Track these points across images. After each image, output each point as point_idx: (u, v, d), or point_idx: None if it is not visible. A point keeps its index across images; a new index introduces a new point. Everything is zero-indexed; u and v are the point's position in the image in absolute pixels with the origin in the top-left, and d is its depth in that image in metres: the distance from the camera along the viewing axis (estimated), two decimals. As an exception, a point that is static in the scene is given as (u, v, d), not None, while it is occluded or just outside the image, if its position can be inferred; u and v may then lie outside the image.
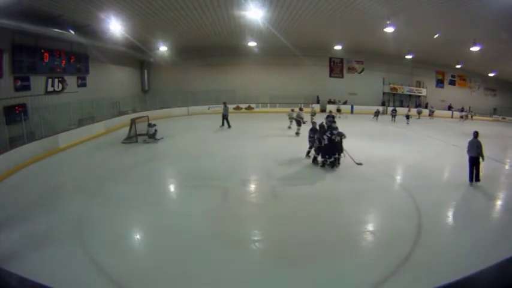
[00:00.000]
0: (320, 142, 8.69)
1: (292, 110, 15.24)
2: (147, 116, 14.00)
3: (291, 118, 15.12)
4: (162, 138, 12.72)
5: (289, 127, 15.17)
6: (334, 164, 8.75)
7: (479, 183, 7.30)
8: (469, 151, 7.34)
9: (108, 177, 7.97)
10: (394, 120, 20.13)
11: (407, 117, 20.22)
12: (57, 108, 12.94)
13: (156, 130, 12.62)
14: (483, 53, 18.30)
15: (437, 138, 14.68)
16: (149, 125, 12.70)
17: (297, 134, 13.66)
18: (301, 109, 14.84)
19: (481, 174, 7.32)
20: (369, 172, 8.54)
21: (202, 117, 20.91)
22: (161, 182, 8.00)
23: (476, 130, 7.55)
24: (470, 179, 7.35)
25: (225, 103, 15.99)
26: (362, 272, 4.04)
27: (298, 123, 14.02)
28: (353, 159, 8.98)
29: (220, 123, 15.80)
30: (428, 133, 16.10)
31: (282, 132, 14.78)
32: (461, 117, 23.93)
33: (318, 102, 25.18)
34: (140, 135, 12.91)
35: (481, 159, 7.18)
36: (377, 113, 21.06)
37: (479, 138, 7.32)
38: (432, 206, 6.09)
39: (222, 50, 22.69)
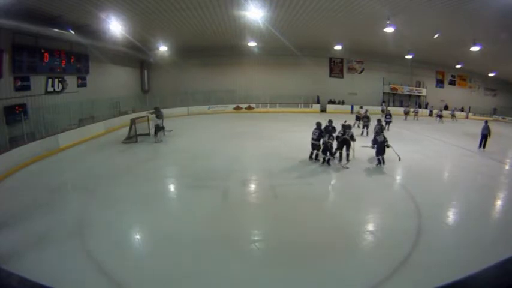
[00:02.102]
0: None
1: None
2: (147, 116, 14.01)
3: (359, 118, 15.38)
4: (171, 130, 13.33)
5: (358, 126, 15.22)
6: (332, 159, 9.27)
7: (484, 151, 11.65)
8: (482, 131, 12.06)
9: (108, 177, 7.98)
10: (388, 129, 15.87)
11: (441, 116, 21.26)
12: (57, 108, 12.95)
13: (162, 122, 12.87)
14: (483, 53, 18.30)
15: (437, 138, 14.68)
16: (157, 117, 12.69)
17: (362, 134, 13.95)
18: (361, 107, 13.80)
19: (487, 146, 11.89)
20: (368, 172, 8.55)
21: (202, 117, 20.92)
22: (161, 182, 7.99)
23: (487, 119, 12.84)
24: (479, 146, 12.06)
25: (157, 108, 13.21)
26: (362, 272, 4.04)
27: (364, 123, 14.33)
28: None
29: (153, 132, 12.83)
30: (427, 133, 16.10)
31: (283, 132, 14.79)
32: (439, 116, 21.71)
33: (318, 102, 25.25)
34: (140, 135, 12.92)
35: (489, 136, 11.94)
36: (366, 123, 14.60)
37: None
38: (432, 206, 6.10)
39: (222, 50, 22.71)
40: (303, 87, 24.75)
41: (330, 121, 9.43)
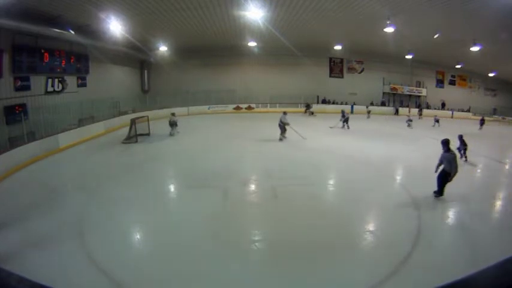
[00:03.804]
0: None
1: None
2: (147, 116, 14.04)
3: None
4: (178, 132, 13.82)
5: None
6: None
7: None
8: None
9: (108, 177, 7.97)
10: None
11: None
12: (57, 108, 12.97)
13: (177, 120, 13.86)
14: (483, 53, 18.32)
15: (436, 138, 14.66)
16: (173, 114, 13.90)
17: (281, 139, 12.54)
18: (285, 113, 13.01)
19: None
20: (368, 172, 8.55)
21: (202, 117, 20.92)
22: (161, 182, 7.99)
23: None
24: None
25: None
26: (362, 272, 4.03)
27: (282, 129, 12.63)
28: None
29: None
30: (427, 133, 16.11)
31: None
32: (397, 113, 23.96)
33: (317, 102, 25.28)
34: (140, 135, 12.93)
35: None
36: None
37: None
38: (432, 206, 6.10)
39: (222, 50, 22.72)
40: (303, 87, 24.76)
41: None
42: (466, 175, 8.67)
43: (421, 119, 22.49)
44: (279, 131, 12.74)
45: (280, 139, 12.56)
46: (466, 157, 10.04)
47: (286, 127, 12.58)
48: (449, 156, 6.20)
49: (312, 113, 22.43)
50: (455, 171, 6.17)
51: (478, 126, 18.61)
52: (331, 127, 15.78)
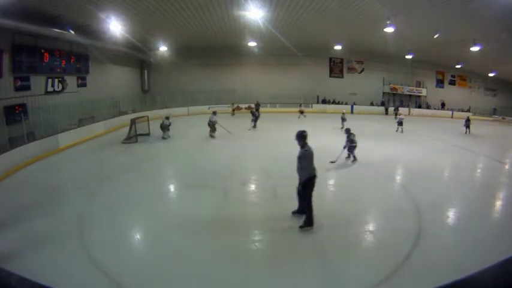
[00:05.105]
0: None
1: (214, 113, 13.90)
2: (147, 116, 14.03)
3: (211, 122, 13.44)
4: (169, 137, 13.04)
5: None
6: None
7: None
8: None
9: (108, 177, 7.97)
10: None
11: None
12: (57, 108, 12.97)
13: (170, 123, 13.09)
14: (483, 53, 18.32)
15: (437, 138, 14.67)
16: (166, 118, 13.21)
17: (212, 136, 13.31)
18: (214, 113, 13.88)
19: None
20: (368, 172, 8.54)
21: (202, 117, 20.87)
22: (161, 182, 7.99)
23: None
24: None
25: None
26: (362, 272, 4.03)
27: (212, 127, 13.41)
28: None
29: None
30: (427, 133, 16.11)
31: (282, 132, 14.79)
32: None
33: (317, 102, 25.30)
34: (140, 135, 12.93)
35: None
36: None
37: None
38: (432, 206, 6.09)
39: (222, 50, 22.73)
40: (303, 87, 24.77)
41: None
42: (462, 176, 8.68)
43: (396, 119, 21.20)
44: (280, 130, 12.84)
45: (211, 136, 13.34)
46: (354, 156, 9.15)
47: (216, 126, 13.43)
48: (301, 153, 5.01)
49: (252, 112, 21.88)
50: (308, 176, 4.91)
51: (464, 129, 15.63)
52: (249, 129, 15.67)
